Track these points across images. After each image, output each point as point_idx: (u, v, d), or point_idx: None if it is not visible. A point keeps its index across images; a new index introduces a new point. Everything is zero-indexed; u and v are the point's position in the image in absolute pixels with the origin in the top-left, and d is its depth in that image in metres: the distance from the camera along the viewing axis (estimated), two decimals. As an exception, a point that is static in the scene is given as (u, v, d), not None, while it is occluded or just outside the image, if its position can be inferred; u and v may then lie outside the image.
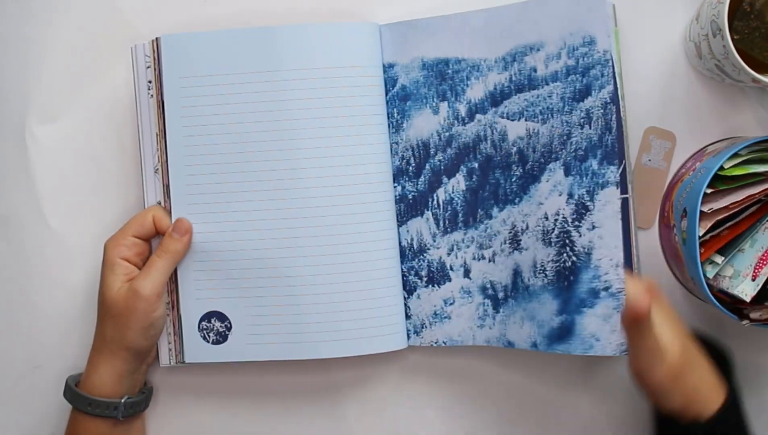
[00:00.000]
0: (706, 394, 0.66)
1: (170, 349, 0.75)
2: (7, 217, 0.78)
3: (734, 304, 0.70)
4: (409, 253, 0.75)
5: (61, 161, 0.78)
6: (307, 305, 0.73)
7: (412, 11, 0.75)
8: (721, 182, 0.69)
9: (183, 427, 0.78)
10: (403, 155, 0.75)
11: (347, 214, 0.73)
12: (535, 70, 0.71)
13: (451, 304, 0.75)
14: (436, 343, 0.75)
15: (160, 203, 0.74)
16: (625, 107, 0.73)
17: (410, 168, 0.75)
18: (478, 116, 0.74)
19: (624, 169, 0.73)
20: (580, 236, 0.70)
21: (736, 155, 0.68)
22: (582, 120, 0.70)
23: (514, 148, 0.72)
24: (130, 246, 0.72)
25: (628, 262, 0.71)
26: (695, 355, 0.67)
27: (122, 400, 0.71)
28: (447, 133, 0.74)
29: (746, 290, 0.67)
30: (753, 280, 0.67)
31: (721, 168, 0.67)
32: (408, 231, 0.75)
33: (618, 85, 0.72)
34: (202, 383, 0.78)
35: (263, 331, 0.73)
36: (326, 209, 0.72)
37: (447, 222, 0.75)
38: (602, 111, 0.69)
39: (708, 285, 0.69)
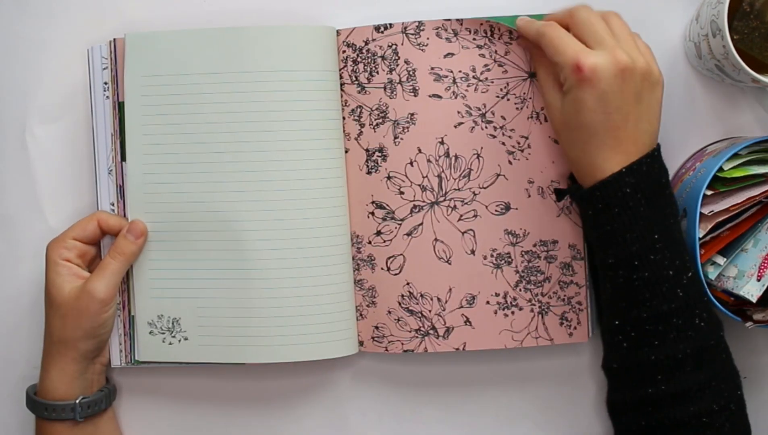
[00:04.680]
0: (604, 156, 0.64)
1: (121, 350, 0.75)
2: (7, 217, 0.78)
3: (738, 305, 0.69)
4: None
5: (62, 161, 0.78)
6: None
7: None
8: (721, 184, 0.69)
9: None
10: None
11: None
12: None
13: None
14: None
15: (113, 204, 0.75)
16: None
17: None
18: None
19: None
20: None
21: (736, 155, 0.68)
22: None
23: None
24: (70, 248, 0.72)
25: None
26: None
27: (77, 401, 0.71)
28: None
29: (752, 291, 0.67)
30: (758, 280, 0.67)
31: (721, 169, 0.67)
32: None
33: None
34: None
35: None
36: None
37: None
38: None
39: (710, 286, 0.69)
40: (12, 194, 0.78)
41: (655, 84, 0.65)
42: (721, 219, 0.68)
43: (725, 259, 0.69)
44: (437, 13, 0.74)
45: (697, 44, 0.71)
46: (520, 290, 0.73)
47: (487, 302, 0.74)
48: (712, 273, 0.69)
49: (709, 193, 0.68)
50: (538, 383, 0.77)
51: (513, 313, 0.73)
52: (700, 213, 0.67)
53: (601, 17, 0.67)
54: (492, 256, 0.73)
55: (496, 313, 0.73)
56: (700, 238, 0.67)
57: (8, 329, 0.79)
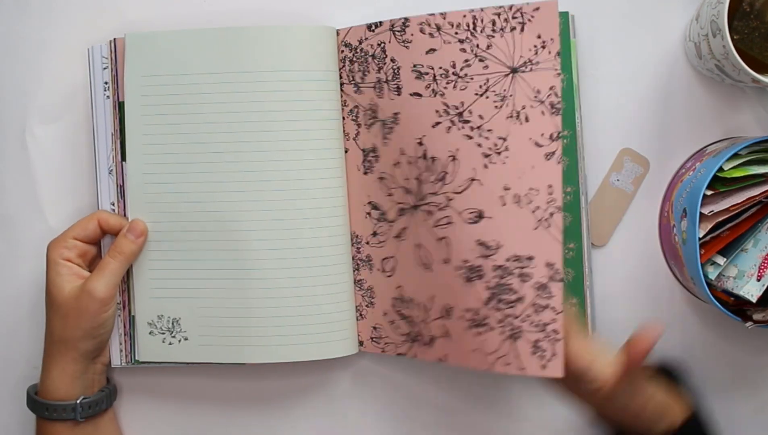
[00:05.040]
0: (655, 416, 0.66)
1: (121, 350, 0.75)
2: (7, 217, 0.78)
3: (738, 305, 0.69)
4: None
5: (62, 161, 0.78)
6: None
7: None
8: (721, 184, 0.68)
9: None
10: None
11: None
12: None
13: None
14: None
15: (113, 204, 0.75)
16: (581, 119, 0.74)
17: None
18: None
19: (578, 182, 0.73)
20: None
21: (736, 155, 0.68)
22: None
23: None
24: (71, 248, 0.72)
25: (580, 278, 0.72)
26: (633, 379, 0.65)
27: (78, 401, 0.71)
28: None
29: (752, 291, 0.67)
30: (758, 280, 0.67)
31: (721, 169, 0.67)
32: None
33: (575, 99, 0.72)
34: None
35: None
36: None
37: None
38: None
39: (710, 286, 0.69)
40: (12, 194, 0.78)
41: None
42: (721, 219, 0.68)
43: (725, 259, 0.69)
44: (436, 11, 0.73)
45: (697, 44, 0.71)
46: (491, 309, 0.67)
47: (461, 317, 0.69)
48: (712, 273, 0.69)
49: (709, 193, 0.68)
50: (538, 384, 0.77)
51: (483, 332, 0.67)
52: (700, 213, 0.67)
53: None
54: (463, 267, 0.68)
55: (469, 328, 0.68)
56: (700, 238, 0.67)
57: (8, 329, 0.79)
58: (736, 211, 0.68)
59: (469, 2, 0.74)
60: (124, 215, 0.74)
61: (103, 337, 0.73)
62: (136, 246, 0.73)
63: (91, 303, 0.70)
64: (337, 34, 0.74)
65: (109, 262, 0.72)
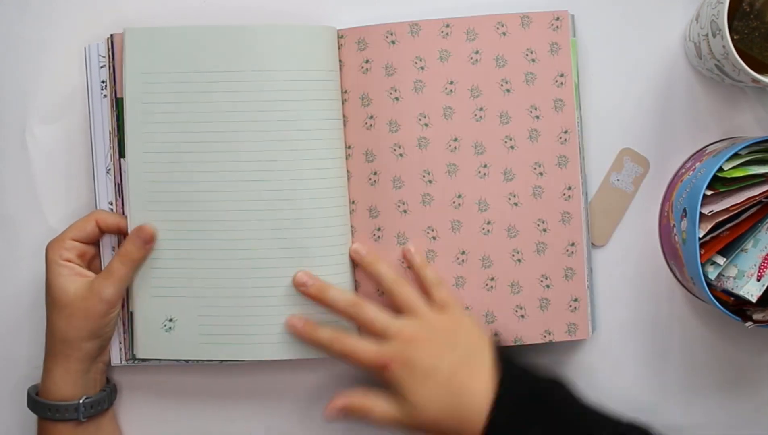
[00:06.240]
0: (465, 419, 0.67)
1: (120, 348, 0.75)
2: (7, 217, 0.78)
3: (738, 305, 0.69)
4: None
5: (61, 161, 0.78)
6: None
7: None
8: (721, 184, 0.69)
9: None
10: None
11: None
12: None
13: None
14: None
15: (111, 203, 0.75)
16: (581, 118, 0.74)
17: None
18: None
19: (580, 180, 0.73)
20: None
21: (736, 155, 0.68)
22: None
23: None
24: (70, 248, 0.72)
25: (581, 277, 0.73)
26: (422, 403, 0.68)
27: (80, 401, 0.71)
28: None
29: (752, 291, 0.67)
30: (758, 280, 0.67)
31: (721, 169, 0.67)
32: None
33: (575, 99, 0.72)
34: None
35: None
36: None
37: None
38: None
39: (710, 285, 0.69)
40: (12, 194, 0.78)
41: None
42: (721, 219, 0.68)
43: (725, 259, 0.69)
44: (437, 13, 0.74)
45: (697, 44, 0.71)
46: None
47: None
48: (712, 273, 0.69)
49: (709, 193, 0.68)
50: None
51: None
52: (700, 213, 0.67)
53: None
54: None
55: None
56: (700, 238, 0.67)
57: (8, 329, 0.79)
58: (736, 211, 0.68)
59: (472, 4, 0.74)
60: (123, 214, 0.74)
61: (106, 337, 0.73)
62: (144, 252, 0.73)
63: (98, 305, 0.70)
64: (338, 34, 0.74)
65: (119, 267, 0.72)
